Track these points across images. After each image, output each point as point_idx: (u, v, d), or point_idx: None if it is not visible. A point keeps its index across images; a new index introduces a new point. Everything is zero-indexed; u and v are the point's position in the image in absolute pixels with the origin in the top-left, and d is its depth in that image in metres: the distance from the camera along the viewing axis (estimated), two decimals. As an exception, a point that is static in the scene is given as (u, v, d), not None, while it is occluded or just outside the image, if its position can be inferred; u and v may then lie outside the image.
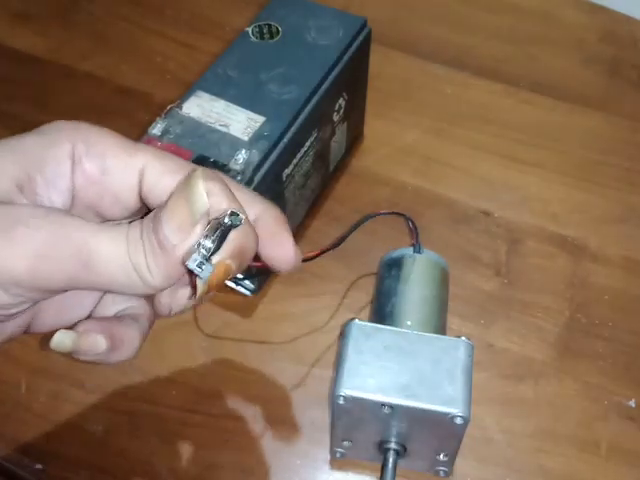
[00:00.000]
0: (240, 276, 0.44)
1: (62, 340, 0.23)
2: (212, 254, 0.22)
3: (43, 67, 0.60)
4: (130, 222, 0.23)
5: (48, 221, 0.21)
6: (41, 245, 0.21)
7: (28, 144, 0.24)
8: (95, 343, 0.24)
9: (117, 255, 0.22)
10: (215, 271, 0.22)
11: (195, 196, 0.22)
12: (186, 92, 0.41)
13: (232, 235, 0.22)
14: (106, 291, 0.26)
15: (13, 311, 0.22)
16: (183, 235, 0.22)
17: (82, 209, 0.25)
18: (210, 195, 0.22)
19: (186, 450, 0.40)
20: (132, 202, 0.25)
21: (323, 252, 0.47)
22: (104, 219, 0.26)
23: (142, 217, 0.24)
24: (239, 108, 0.41)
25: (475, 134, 0.56)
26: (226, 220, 0.22)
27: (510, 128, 0.56)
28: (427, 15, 0.65)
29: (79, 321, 0.25)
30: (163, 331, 0.41)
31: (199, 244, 0.22)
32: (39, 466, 0.40)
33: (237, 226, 0.22)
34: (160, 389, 0.43)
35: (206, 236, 0.22)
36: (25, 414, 0.42)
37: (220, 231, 0.22)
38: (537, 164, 0.54)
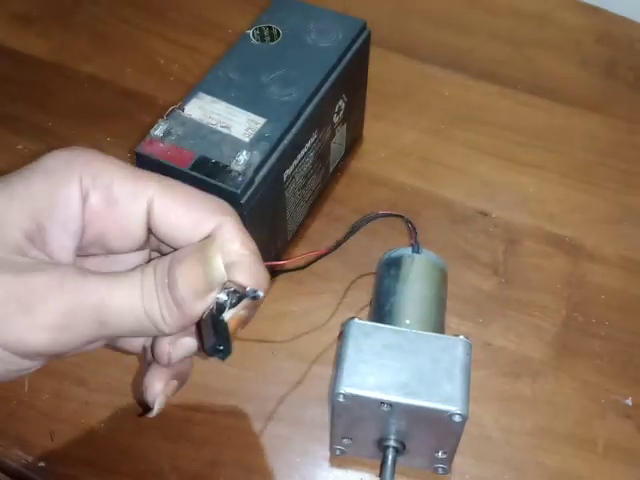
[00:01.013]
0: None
1: (160, 408, 0.25)
2: (227, 309, 0.22)
3: (45, 69, 0.60)
4: (142, 270, 0.22)
5: (64, 290, 0.21)
6: (60, 318, 0.21)
7: (36, 190, 0.23)
8: (173, 388, 0.26)
9: (132, 308, 0.22)
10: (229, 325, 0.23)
11: (212, 268, 0.22)
12: (188, 94, 0.42)
13: (246, 300, 0.23)
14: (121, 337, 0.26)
15: (34, 369, 0.23)
16: (199, 299, 0.22)
17: (88, 243, 0.24)
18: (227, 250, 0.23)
19: (188, 448, 0.41)
20: (139, 233, 0.25)
21: (321, 256, 0.48)
22: (110, 252, 0.25)
23: (150, 253, 0.25)
24: (240, 110, 0.41)
25: (473, 135, 0.56)
26: (247, 293, 0.22)
27: (508, 129, 0.57)
28: (426, 18, 0.65)
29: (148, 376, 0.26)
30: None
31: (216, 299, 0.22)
32: (42, 464, 0.40)
33: (255, 298, 0.23)
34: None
35: (223, 290, 0.23)
36: (28, 412, 0.42)
37: (237, 297, 0.22)
38: (534, 165, 0.54)
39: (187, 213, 0.24)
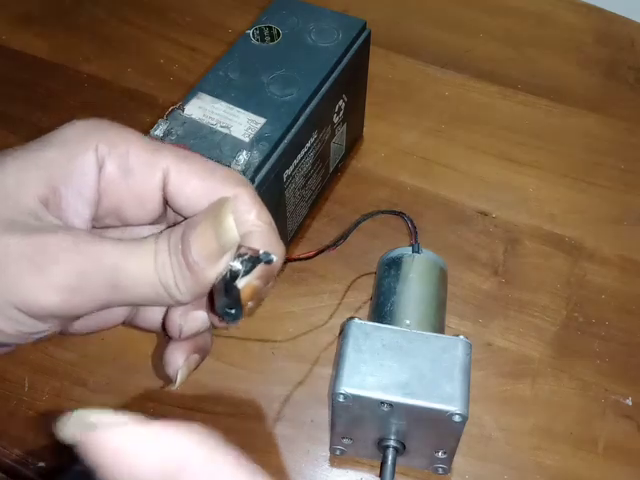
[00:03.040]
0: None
1: (182, 381, 0.25)
2: (240, 277, 0.22)
3: (46, 69, 0.60)
4: (156, 237, 0.22)
5: (77, 251, 0.21)
6: (73, 279, 0.21)
7: (52, 156, 0.23)
8: (195, 362, 0.26)
9: (146, 274, 0.22)
10: (242, 293, 0.22)
11: (224, 230, 0.22)
12: (188, 94, 0.42)
13: (260, 266, 0.22)
14: (134, 305, 0.26)
15: (47, 333, 0.23)
16: (212, 262, 0.22)
17: (104, 213, 0.24)
18: (239, 212, 0.22)
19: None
20: (155, 204, 0.24)
21: (320, 252, 0.48)
22: (126, 223, 0.25)
23: (167, 227, 0.24)
24: (240, 110, 0.41)
25: (473, 135, 0.56)
26: (261, 256, 0.22)
27: (508, 130, 0.57)
28: (426, 18, 0.65)
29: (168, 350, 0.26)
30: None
31: (229, 267, 0.22)
32: (42, 464, 0.40)
33: (269, 262, 0.22)
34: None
35: (237, 259, 0.22)
36: (28, 412, 0.42)
37: (251, 264, 0.22)
38: (534, 165, 0.54)
39: (202, 183, 0.24)
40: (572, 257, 0.49)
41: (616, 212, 0.52)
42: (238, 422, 0.42)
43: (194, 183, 0.24)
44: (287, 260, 0.47)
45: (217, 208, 0.23)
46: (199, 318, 0.25)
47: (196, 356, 0.26)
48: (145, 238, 0.23)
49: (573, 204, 0.52)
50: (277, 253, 0.23)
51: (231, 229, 0.22)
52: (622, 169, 0.54)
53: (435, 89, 0.59)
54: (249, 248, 0.23)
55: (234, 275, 0.22)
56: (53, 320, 0.22)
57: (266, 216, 0.24)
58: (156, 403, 0.42)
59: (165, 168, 0.24)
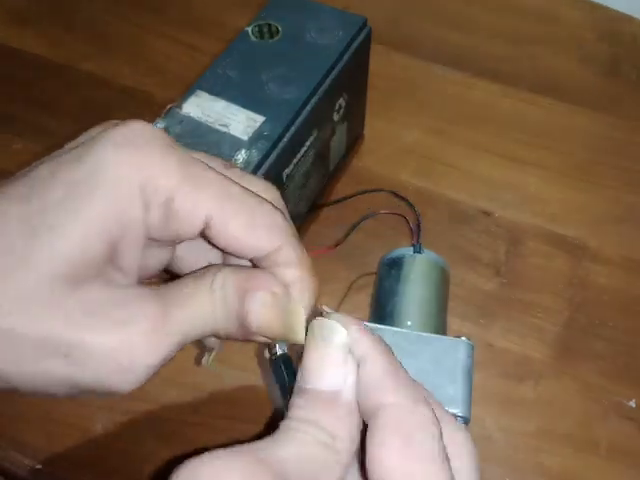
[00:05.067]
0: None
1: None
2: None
3: (44, 67, 0.60)
4: (210, 282, 0.23)
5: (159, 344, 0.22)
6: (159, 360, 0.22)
7: (103, 211, 0.21)
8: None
9: (205, 323, 0.23)
10: None
11: (291, 324, 0.24)
12: (186, 92, 0.41)
13: None
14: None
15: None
16: (264, 333, 0.24)
17: None
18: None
19: (186, 450, 0.41)
20: (189, 240, 0.24)
21: (320, 252, 0.48)
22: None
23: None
24: (239, 108, 0.41)
25: (475, 134, 0.56)
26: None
27: (510, 128, 0.56)
28: (427, 15, 0.65)
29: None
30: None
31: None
32: (39, 466, 0.40)
33: None
34: (160, 389, 0.43)
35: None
36: (26, 414, 0.42)
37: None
38: (537, 164, 0.54)
39: (245, 232, 0.23)
40: (575, 257, 0.49)
41: (619, 212, 0.51)
42: (236, 424, 0.42)
43: (237, 232, 0.23)
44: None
45: (295, 309, 0.24)
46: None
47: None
48: (197, 286, 0.23)
49: (576, 204, 0.52)
50: (312, 303, 0.25)
51: (300, 334, 0.24)
52: (625, 168, 0.54)
53: (436, 87, 0.59)
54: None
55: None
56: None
57: (306, 262, 0.25)
58: (153, 405, 0.42)
59: (208, 212, 0.23)
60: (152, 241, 0.24)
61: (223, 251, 0.25)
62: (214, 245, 0.24)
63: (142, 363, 0.22)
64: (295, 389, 0.22)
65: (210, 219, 0.23)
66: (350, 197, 0.51)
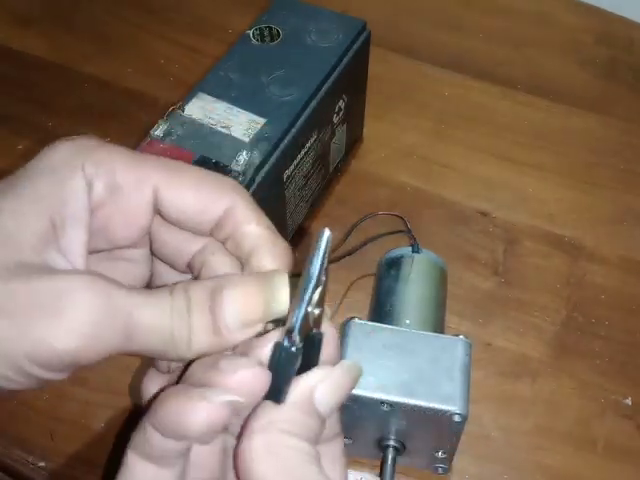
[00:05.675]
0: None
1: None
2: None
3: (46, 69, 0.60)
4: (170, 290, 0.21)
5: (94, 296, 0.20)
6: (90, 326, 0.20)
7: (43, 188, 0.22)
8: None
9: (160, 327, 0.21)
10: None
11: (277, 302, 0.21)
12: (188, 94, 0.42)
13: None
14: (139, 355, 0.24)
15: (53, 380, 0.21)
16: (247, 330, 0.21)
17: (93, 235, 0.23)
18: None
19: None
20: (145, 220, 0.23)
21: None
22: (114, 244, 0.24)
23: (176, 283, 0.22)
24: (240, 110, 0.41)
25: (473, 136, 0.56)
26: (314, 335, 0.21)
27: (507, 130, 0.57)
28: (426, 18, 0.65)
29: None
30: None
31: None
32: (42, 464, 0.40)
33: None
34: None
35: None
36: (28, 412, 0.42)
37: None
38: (534, 165, 0.55)
39: (195, 196, 0.23)
40: (572, 257, 0.49)
41: (616, 212, 0.52)
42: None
43: (187, 196, 0.23)
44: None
45: (270, 276, 0.22)
46: None
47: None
48: (158, 290, 0.22)
49: (573, 204, 0.52)
50: (287, 263, 0.23)
51: (284, 302, 0.21)
52: (621, 169, 0.54)
53: (435, 89, 0.59)
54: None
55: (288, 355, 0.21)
56: (63, 369, 0.20)
57: (265, 221, 0.24)
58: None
59: (155, 183, 0.23)
60: (112, 234, 0.23)
61: (180, 227, 0.24)
62: (171, 222, 0.24)
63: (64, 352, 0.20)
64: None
65: (157, 190, 0.23)
66: (359, 248, 0.50)
